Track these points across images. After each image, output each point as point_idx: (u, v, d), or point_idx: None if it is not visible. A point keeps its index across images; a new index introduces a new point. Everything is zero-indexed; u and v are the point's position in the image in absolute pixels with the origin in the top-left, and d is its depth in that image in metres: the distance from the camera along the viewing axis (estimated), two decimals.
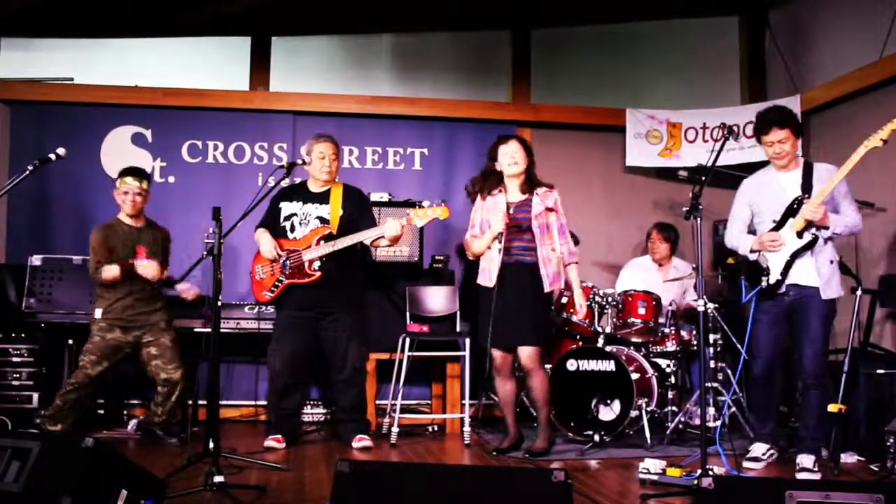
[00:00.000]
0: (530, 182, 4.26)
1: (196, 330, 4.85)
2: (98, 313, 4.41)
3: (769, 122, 3.76)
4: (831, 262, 3.74)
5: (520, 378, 4.48)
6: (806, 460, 3.66)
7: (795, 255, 3.68)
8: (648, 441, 4.40)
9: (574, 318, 4.77)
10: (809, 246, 3.67)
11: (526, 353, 4.13)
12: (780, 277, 3.70)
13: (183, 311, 4.85)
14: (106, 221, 4.55)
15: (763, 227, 3.85)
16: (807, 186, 3.72)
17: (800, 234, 3.67)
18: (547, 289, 4.15)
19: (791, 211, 3.71)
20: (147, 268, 4.37)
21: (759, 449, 3.79)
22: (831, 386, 4.10)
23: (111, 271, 4.33)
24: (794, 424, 4.01)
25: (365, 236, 4.30)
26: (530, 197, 4.22)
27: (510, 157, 4.21)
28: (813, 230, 3.66)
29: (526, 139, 4.38)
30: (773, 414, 3.89)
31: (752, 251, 3.81)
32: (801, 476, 3.59)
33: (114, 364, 4.41)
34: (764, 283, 3.72)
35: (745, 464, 3.80)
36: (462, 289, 5.41)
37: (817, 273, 3.69)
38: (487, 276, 4.21)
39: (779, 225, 3.75)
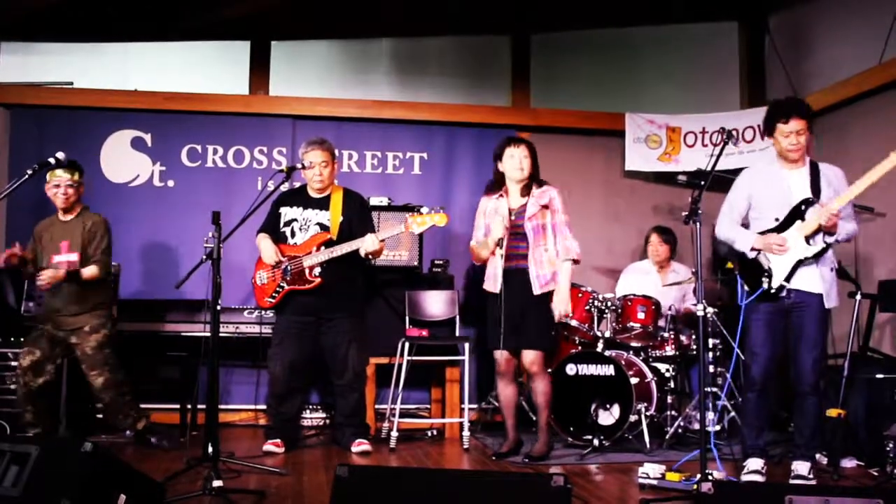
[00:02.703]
0: (532, 186, 4.22)
1: (195, 334, 4.84)
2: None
3: (789, 110, 3.57)
4: (832, 269, 3.64)
5: (519, 383, 4.48)
6: (801, 467, 3.61)
7: (801, 262, 3.55)
8: (648, 445, 4.41)
9: (572, 323, 4.77)
10: (819, 255, 3.56)
11: (529, 357, 4.11)
12: (784, 283, 3.56)
13: (183, 316, 4.85)
14: (48, 217, 4.43)
15: (761, 223, 3.68)
16: (815, 188, 3.59)
17: (807, 239, 3.55)
18: (537, 291, 4.10)
19: (797, 213, 3.57)
20: (43, 276, 4.14)
21: (755, 464, 3.65)
22: (831, 391, 4.08)
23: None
24: (792, 430, 3.97)
25: (349, 248, 4.26)
26: (528, 200, 4.20)
27: (517, 163, 4.16)
28: (823, 237, 3.54)
29: (533, 144, 4.31)
30: (767, 425, 3.78)
31: (752, 249, 3.64)
32: (795, 483, 3.53)
33: (52, 356, 4.26)
34: (765, 285, 3.57)
35: (745, 478, 3.66)
36: (467, 292, 5.40)
37: (821, 280, 3.58)
38: (492, 281, 4.19)
39: (783, 226, 3.60)
